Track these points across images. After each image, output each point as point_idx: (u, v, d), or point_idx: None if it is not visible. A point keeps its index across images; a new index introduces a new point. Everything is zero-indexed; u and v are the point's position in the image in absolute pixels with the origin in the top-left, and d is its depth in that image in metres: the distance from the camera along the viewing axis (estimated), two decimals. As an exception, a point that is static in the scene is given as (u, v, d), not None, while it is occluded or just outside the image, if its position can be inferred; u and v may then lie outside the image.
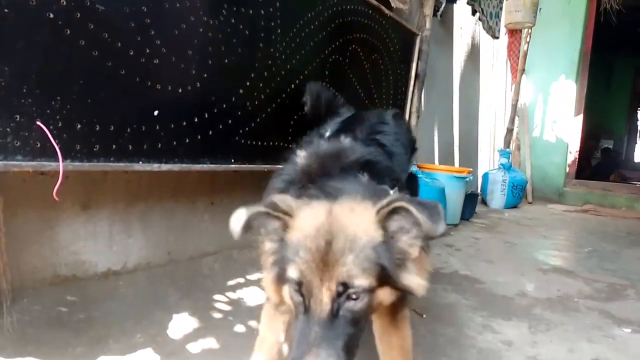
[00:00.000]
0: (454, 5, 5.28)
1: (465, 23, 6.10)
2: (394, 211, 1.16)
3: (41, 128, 1.63)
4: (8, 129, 1.56)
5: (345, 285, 1.12)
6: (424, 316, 2.32)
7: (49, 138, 1.65)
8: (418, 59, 4.34)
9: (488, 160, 8.13)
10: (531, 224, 5.87)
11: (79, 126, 1.76)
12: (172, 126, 2.12)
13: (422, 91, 4.47)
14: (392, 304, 1.30)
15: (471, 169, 5.23)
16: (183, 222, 2.63)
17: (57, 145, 1.68)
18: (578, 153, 8.73)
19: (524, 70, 7.46)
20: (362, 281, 1.13)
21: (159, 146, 2.08)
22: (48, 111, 1.66)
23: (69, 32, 1.67)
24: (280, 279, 1.22)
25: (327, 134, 2.00)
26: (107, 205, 2.23)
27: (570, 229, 5.92)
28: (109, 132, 1.86)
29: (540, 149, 8.56)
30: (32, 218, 1.98)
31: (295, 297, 1.17)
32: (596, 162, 12.73)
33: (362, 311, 1.16)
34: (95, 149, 1.82)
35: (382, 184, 1.46)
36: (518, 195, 7.19)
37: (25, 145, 1.61)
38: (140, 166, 2.01)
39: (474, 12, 5.63)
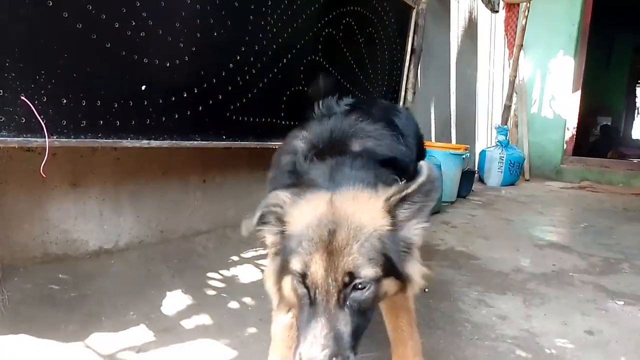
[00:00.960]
0: (451, -22, 5.19)
1: (462, -3, 6.01)
2: (404, 199, 1.15)
3: (26, 103, 1.60)
4: (-9, 104, 1.52)
5: (352, 276, 1.10)
6: (426, 290, 2.33)
7: (34, 113, 1.61)
8: (414, 33, 4.26)
9: (485, 137, 8.09)
10: (528, 201, 5.86)
11: (64, 101, 1.72)
12: (161, 101, 2.08)
13: (418, 66, 4.40)
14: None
15: (468, 146, 5.20)
16: (175, 200, 2.61)
17: (43, 120, 1.64)
18: (576, 130, 8.69)
19: (522, 45, 7.35)
20: (368, 271, 1.11)
21: (148, 122, 2.04)
22: (32, 86, 1.62)
23: (51, 3, 1.62)
24: (283, 270, 1.19)
25: (338, 110, 1.85)
26: (96, 184, 2.20)
27: (567, 205, 5.92)
28: (96, 108, 1.82)
29: (538, 126, 8.51)
30: (21, 196, 1.95)
31: (299, 289, 1.13)
32: (594, 139, 12.70)
33: (369, 301, 1.14)
34: (82, 125, 1.79)
35: (392, 171, 1.43)
36: (515, 172, 7.18)
37: (10, 121, 1.57)
38: (129, 142, 1.97)
39: (471, -15, 5.52)
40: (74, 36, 1.72)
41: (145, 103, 2.02)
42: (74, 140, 1.76)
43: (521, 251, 3.34)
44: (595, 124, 13.23)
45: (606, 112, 13.69)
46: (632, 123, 16.82)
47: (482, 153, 7.21)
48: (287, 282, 1.19)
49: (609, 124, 13.67)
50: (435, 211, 4.38)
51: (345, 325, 1.10)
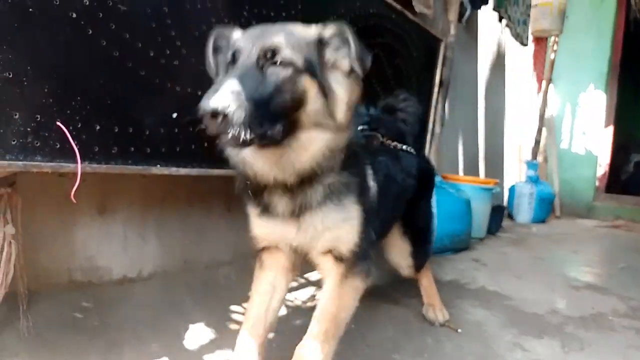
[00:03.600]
0: (479, 11, 5.18)
1: (490, 30, 5.98)
2: (335, 35, 1.39)
3: (61, 128, 1.61)
4: (29, 129, 1.53)
5: (273, 52, 1.27)
6: (459, 330, 2.23)
7: (68, 139, 1.62)
8: (442, 65, 4.25)
9: (514, 171, 7.92)
10: (560, 238, 5.66)
11: (97, 127, 1.73)
12: (191, 129, 2.08)
13: (446, 99, 4.37)
14: (341, 265, 1.50)
15: (497, 181, 5.07)
16: (198, 228, 2.58)
17: (76, 146, 1.65)
18: (608, 166, 8.44)
19: (550, 79, 7.26)
20: (288, 52, 1.28)
21: (177, 149, 2.04)
22: (68, 111, 1.63)
23: (90, 31, 1.65)
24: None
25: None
26: (122, 209, 2.20)
27: (601, 244, 5.68)
28: (127, 134, 1.83)
29: (568, 161, 8.30)
30: (49, 221, 1.96)
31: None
32: (627, 176, 12.31)
33: (286, 83, 1.27)
34: (113, 151, 1.79)
35: None
36: (546, 209, 6.97)
37: (45, 146, 1.58)
38: (157, 170, 1.97)
39: (500, 19, 5.51)
40: (111, 63, 1.74)
41: (176, 131, 2.02)
42: (104, 166, 1.76)
43: (556, 292, 3.18)
44: (628, 160, 12.84)
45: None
46: (667, 160, 16.24)
47: (512, 188, 7.05)
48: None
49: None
50: (464, 247, 4.25)
51: (257, 83, 1.22)
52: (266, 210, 1.51)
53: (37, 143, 1.57)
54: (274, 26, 1.38)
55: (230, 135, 1.16)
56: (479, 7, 4.76)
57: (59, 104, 1.60)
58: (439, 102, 4.28)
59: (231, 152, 1.48)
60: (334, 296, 1.52)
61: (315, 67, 1.34)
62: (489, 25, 5.87)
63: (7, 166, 1.51)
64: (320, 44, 1.39)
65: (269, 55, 1.27)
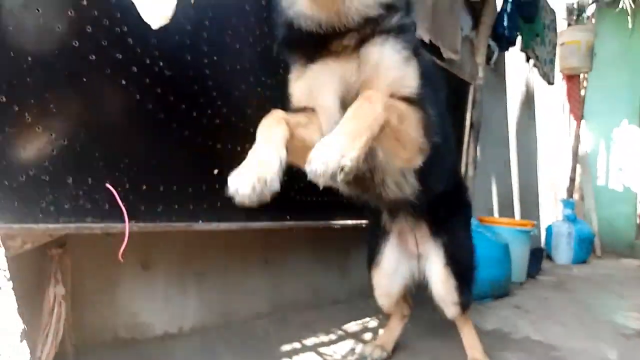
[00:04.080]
0: (507, 52, 5.22)
1: (518, 70, 5.99)
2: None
3: (110, 190, 1.67)
4: (81, 192, 1.60)
5: None
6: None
7: (117, 200, 1.68)
8: (472, 108, 4.26)
9: (550, 210, 7.71)
10: (604, 281, 5.40)
11: (144, 187, 1.79)
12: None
13: (477, 141, 4.35)
14: None
15: (535, 222, 4.94)
16: (237, 281, 2.58)
17: (124, 206, 1.70)
18: (649, 202, 8.13)
19: (582, 116, 7.17)
20: None
21: (218, 205, 2.08)
22: (117, 173, 1.70)
23: (139, 97, 1.74)
24: None
25: None
26: (164, 265, 2.23)
27: (649, 286, 5.40)
28: (171, 193, 1.88)
29: (606, 199, 8.04)
30: (96, 278, 2.00)
31: None
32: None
33: None
34: (158, 209, 1.84)
35: None
36: (586, 249, 6.71)
37: (95, 208, 1.64)
38: (199, 225, 2.01)
39: (528, 59, 5.53)
40: (156, 125, 1.82)
41: (217, 186, 2.06)
42: (150, 224, 1.81)
43: (605, 341, 3.01)
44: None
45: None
46: None
47: (549, 228, 6.84)
48: None
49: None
50: (505, 293, 4.11)
51: None
52: (318, 53, 1.43)
53: (88, 205, 1.63)
54: None
55: None
56: (507, 49, 4.80)
57: (109, 167, 1.68)
58: (471, 144, 4.27)
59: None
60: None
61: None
62: (517, 65, 5.89)
63: (60, 229, 1.57)
64: None
65: None
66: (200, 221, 2.01)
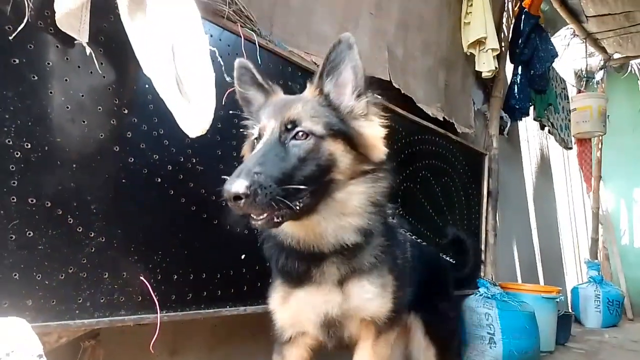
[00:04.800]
0: (520, 122, 5.35)
1: (532, 137, 6.11)
2: (321, 74, 1.43)
3: (144, 282, 1.74)
4: (116, 286, 1.67)
5: (294, 123, 1.32)
6: None
7: (149, 291, 1.74)
8: (489, 177, 4.33)
9: (574, 273, 7.52)
10: (639, 348, 5.16)
11: (175, 277, 1.85)
12: (257, 268, 2.17)
13: (496, 209, 4.37)
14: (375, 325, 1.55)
15: (560, 289, 4.83)
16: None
17: (156, 297, 1.76)
18: (678, 261, 7.89)
19: (600, 176, 7.15)
20: (307, 123, 1.32)
21: (245, 289, 2.13)
22: (150, 266, 1.78)
23: (172, 192, 1.85)
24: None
25: None
26: (193, 351, 2.25)
27: (688, 354, 5.12)
28: (200, 280, 1.94)
29: (632, 258, 7.83)
30: (125, 366, 2.03)
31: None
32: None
33: (310, 153, 1.30)
34: (188, 298, 1.90)
35: None
36: (615, 311, 6.46)
37: (129, 301, 1.71)
38: (227, 311, 2.05)
39: (542, 127, 5.64)
40: (188, 217, 1.91)
41: (244, 271, 2.12)
42: (180, 313, 1.86)
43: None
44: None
45: None
46: None
47: (575, 290, 6.64)
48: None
49: None
50: (534, 364, 3.96)
51: (280, 159, 1.25)
52: (302, 282, 1.50)
53: (122, 298, 1.69)
54: (293, 98, 1.46)
55: (258, 216, 1.22)
56: (520, 119, 4.94)
57: (142, 260, 1.76)
58: (489, 212, 4.29)
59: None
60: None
61: (336, 125, 1.37)
62: (530, 132, 6.01)
63: (95, 324, 1.63)
64: (328, 98, 1.44)
65: (290, 127, 1.32)
66: (228, 306, 2.05)
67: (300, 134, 1.32)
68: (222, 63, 1.91)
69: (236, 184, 1.15)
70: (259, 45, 2.10)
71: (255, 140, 1.41)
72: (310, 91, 1.48)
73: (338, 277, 1.48)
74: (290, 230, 1.44)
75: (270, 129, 1.34)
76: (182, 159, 1.87)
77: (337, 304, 1.50)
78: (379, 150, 1.45)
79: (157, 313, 1.75)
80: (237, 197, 1.14)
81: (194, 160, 1.91)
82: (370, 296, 1.51)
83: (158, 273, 1.80)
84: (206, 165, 1.96)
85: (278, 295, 1.59)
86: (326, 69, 1.44)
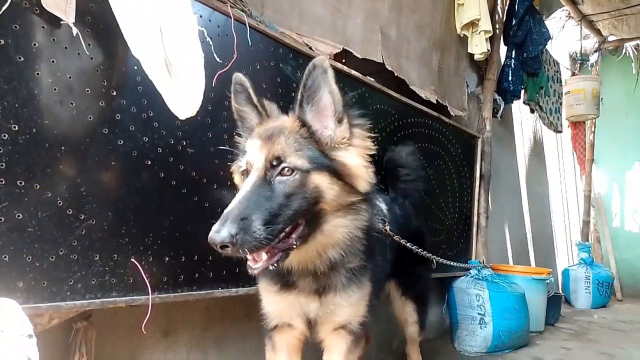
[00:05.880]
0: (513, 104, 5.34)
1: (525, 120, 6.12)
2: (301, 102, 1.43)
3: (135, 264, 1.75)
4: (107, 268, 1.68)
5: (279, 160, 1.34)
6: None
7: (141, 273, 1.75)
8: (481, 160, 4.34)
9: (566, 255, 7.62)
10: (627, 328, 5.26)
11: (167, 259, 1.87)
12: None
13: (488, 191, 4.40)
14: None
15: (551, 270, 4.90)
16: (257, 347, 2.59)
17: (147, 279, 1.77)
18: (668, 242, 8.01)
19: (593, 160, 7.20)
20: (293, 159, 1.34)
21: (237, 270, 2.14)
22: (142, 248, 1.78)
23: (163, 175, 1.85)
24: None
25: None
26: (186, 331, 2.27)
27: (674, 333, 5.24)
28: (192, 262, 1.96)
29: (623, 241, 7.94)
30: (118, 347, 2.05)
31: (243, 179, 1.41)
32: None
33: (296, 187, 1.32)
34: (180, 280, 1.91)
35: None
36: (605, 292, 6.57)
37: (120, 282, 1.72)
38: (219, 292, 2.07)
39: (532, 111, 5.65)
40: (179, 199, 1.91)
41: (235, 254, 2.13)
42: (172, 295, 1.88)
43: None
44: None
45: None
46: None
47: (565, 272, 6.74)
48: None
49: None
50: (524, 344, 4.04)
51: (266, 199, 1.27)
52: (286, 286, 1.62)
53: (113, 280, 1.70)
54: (277, 128, 1.45)
55: (254, 264, 1.31)
56: (512, 102, 4.93)
57: (134, 242, 1.76)
58: (482, 195, 4.31)
59: None
60: None
61: (319, 159, 1.39)
62: (524, 115, 6.01)
63: (87, 305, 1.64)
64: (310, 129, 1.45)
65: (275, 164, 1.34)
66: (220, 288, 2.07)
67: (286, 169, 1.34)
68: (211, 44, 1.89)
69: (222, 233, 1.20)
70: (249, 27, 2.08)
71: (243, 173, 1.45)
72: (291, 121, 1.48)
73: (316, 288, 1.60)
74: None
75: (256, 166, 1.37)
76: (172, 142, 1.87)
77: (314, 309, 1.63)
78: (365, 179, 1.46)
79: (148, 295, 1.76)
80: (223, 246, 1.21)
81: (184, 143, 1.91)
82: (344, 308, 1.63)
83: (149, 255, 1.80)
84: (197, 147, 1.96)
85: (264, 291, 1.72)
86: (304, 96, 1.44)
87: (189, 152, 1.93)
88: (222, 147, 2.01)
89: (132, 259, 1.74)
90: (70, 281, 1.59)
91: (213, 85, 1.92)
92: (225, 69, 1.96)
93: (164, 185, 1.86)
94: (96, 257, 1.66)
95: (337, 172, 1.40)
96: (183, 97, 1.43)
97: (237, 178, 1.62)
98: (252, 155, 1.40)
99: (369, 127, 1.52)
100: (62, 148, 1.57)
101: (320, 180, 1.37)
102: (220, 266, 2.06)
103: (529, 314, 4.18)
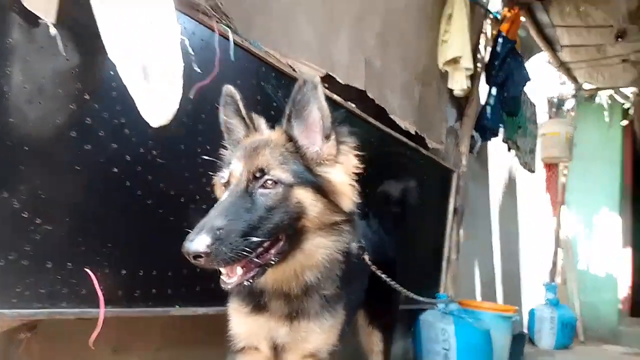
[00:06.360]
0: (490, 142, 5.44)
1: (500, 158, 6.22)
2: (289, 117, 1.42)
3: (88, 275, 1.67)
4: (59, 277, 1.60)
5: (262, 172, 1.31)
6: None
7: (94, 285, 1.67)
8: (456, 194, 4.38)
9: (533, 295, 7.70)
10: (587, 371, 5.31)
11: (123, 272, 1.79)
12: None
13: (460, 226, 4.43)
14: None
15: (517, 308, 4.92)
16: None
17: (101, 291, 1.69)
18: (630, 288, 8.17)
19: (563, 202, 7.36)
20: (277, 172, 1.31)
21: (197, 289, 2.07)
22: (98, 258, 1.71)
23: (129, 184, 1.79)
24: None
25: None
26: (137, 350, 2.17)
27: (633, 379, 5.30)
28: (151, 277, 1.88)
29: (588, 283, 8.08)
30: (65, 361, 1.94)
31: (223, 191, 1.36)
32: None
33: (277, 201, 1.29)
34: (135, 294, 1.83)
35: None
36: (569, 334, 6.62)
37: (71, 293, 1.63)
38: (177, 311, 1.99)
39: (509, 149, 5.76)
40: (144, 211, 1.85)
41: (198, 270, 2.06)
42: (126, 310, 1.80)
43: None
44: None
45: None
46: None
47: (532, 312, 6.78)
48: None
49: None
50: (486, 383, 4.01)
51: (245, 210, 1.24)
52: (257, 308, 1.55)
53: (64, 290, 1.62)
54: (263, 141, 1.43)
55: (228, 279, 1.26)
56: (489, 139, 5.02)
57: (91, 252, 1.69)
58: (454, 229, 4.34)
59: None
60: None
61: (303, 174, 1.36)
62: (500, 154, 6.12)
63: (33, 315, 1.55)
64: (296, 143, 1.42)
65: (258, 176, 1.31)
66: (177, 306, 1.99)
67: (269, 182, 1.31)
68: (193, 57, 1.86)
69: (196, 242, 1.16)
70: (234, 43, 2.06)
71: (224, 185, 1.40)
72: (278, 135, 1.46)
73: (288, 312, 1.54)
74: (264, 280, 1.47)
75: (238, 176, 1.34)
76: (142, 151, 1.81)
77: (284, 334, 1.56)
78: (349, 198, 1.43)
79: (100, 308, 1.68)
80: (197, 256, 1.17)
81: (155, 153, 1.85)
82: (316, 335, 1.57)
83: (105, 266, 1.73)
84: (167, 159, 1.91)
85: (235, 312, 1.64)
86: (292, 111, 1.42)
87: (159, 163, 1.88)
88: (205, 157, 1.98)
89: (87, 269, 1.66)
90: (18, 288, 1.50)
91: (191, 97, 1.89)
92: (205, 82, 1.93)
93: (129, 195, 1.80)
94: (49, 264, 1.58)
95: (322, 189, 1.37)
96: (157, 104, 1.40)
97: (218, 191, 1.57)
98: (235, 166, 1.37)
99: (357, 145, 1.50)
100: (25, 148, 1.50)
101: (304, 196, 1.34)
102: (180, 284, 1.99)
103: (493, 352, 4.16)
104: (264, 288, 1.51)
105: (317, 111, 1.40)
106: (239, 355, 1.68)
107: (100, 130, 1.69)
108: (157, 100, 1.41)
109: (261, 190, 1.30)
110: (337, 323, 1.63)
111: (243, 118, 1.54)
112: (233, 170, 1.37)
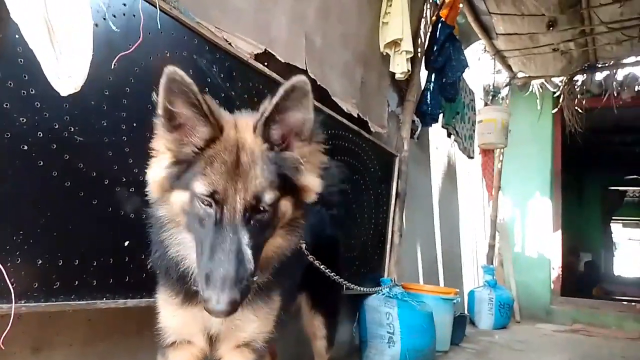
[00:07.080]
0: (430, 128, 5.53)
1: (440, 144, 6.36)
2: (268, 120, 1.26)
3: (-4, 266, 1.48)
4: (-41, 269, 1.40)
5: (258, 199, 1.21)
6: None
7: (4, 277, 1.48)
8: (398, 178, 4.40)
9: (472, 277, 7.99)
10: (523, 347, 5.57)
11: (39, 262, 1.61)
12: (143, 257, 1.96)
13: (403, 210, 4.46)
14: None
15: (458, 290, 5.06)
16: (149, 363, 2.34)
17: (12, 284, 1.50)
18: (561, 269, 8.68)
19: (499, 187, 7.67)
20: (270, 194, 1.23)
21: (127, 280, 1.92)
22: (8, 247, 1.52)
23: (42, 163, 1.60)
24: (173, 182, 1.27)
25: None
26: (62, 347, 1.97)
27: (563, 352, 5.62)
28: (72, 267, 1.71)
29: (523, 265, 8.50)
30: (-29, 365, 1.72)
31: (202, 211, 1.21)
32: (578, 276, 12.70)
33: (269, 221, 1.26)
34: (54, 287, 1.65)
35: None
36: (506, 314, 6.94)
37: (-24, 286, 1.44)
38: (103, 303, 1.82)
39: (449, 135, 5.89)
40: (61, 194, 1.67)
41: (127, 259, 1.91)
42: (43, 304, 1.61)
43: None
44: (578, 261, 13.35)
45: (586, 249, 13.94)
46: (612, 259, 17.04)
47: (471, 293, 7.04)
48: (179, 198, 1.27)
49: (591, 259, 13.86)
50: (429, 363, 4.08)
51: (249, 245, 1.17)
52: (188, 298, 1.48)
53: (-33, 283, 1.42)
54: (245, 152, 1.26)
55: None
56: (430, 125, 5.10)
57: (-2, 240, 1.49)
58: (397, 213, 4.36)
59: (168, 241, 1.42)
60: None
61: (284, 182, 1.28)
62: (440, 139, 6.25)
63: None
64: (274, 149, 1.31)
65: (254, 203, 1.21)
66: (105, 298, 1.83)
67: (263, 207, 1.24)
68: (113, 22, 1.69)
69: (226, 304, 1.10)
70: (160, 9, 1.90)
71: (207, 201, 1.21)
72: (251, 139, 1.29)
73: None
74: (189, 261, 1.38)
75: (232, 207, 1.20)
76: (57, 126, 1.62)
77: (217, 323, 1.51)
78: (315, 192, 1.37)
79: (11, 303, 1.49)
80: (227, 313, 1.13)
81: (72, 129, 1.67)
82: (250, 323, 1.53)
83: (17, 256, 1.54)
84: (87, 136, 1.72)
85: (164, 303, 1.56)
86: (274, 115, 1.27)
87: (77, 141, 1.69)
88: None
89: (-6, 260, 1.47)
90: None
91: (112, 67, 1.72)
92: (128, 52, 1.76)
93: (42, 176, 1.61)
94: (-53, 254, 1.38)
95: (295, 191, 1.33)
96: (66, 69, 1.23)
97: (158, 191, 1.36)
98: (224, 190, 1.20)
99: (325, 141, 1.41)
100: None
101: (287, 206, 1.32)
102: (106, 274, 1.83)
103: (436, 333, 4.25)
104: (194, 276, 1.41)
105: (302, 119, 1.30)
106: (169, 351, 1.59)
107: (5, 103, 1.49)
108: (64, 64, 1.24)
109: (257, 216, 1.23)
110: (273, 310, 1.59)
111: (205, 116, 1.25)
112: (225, 197, 1.20)
